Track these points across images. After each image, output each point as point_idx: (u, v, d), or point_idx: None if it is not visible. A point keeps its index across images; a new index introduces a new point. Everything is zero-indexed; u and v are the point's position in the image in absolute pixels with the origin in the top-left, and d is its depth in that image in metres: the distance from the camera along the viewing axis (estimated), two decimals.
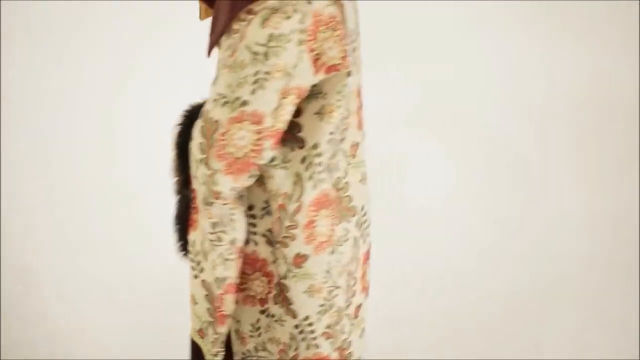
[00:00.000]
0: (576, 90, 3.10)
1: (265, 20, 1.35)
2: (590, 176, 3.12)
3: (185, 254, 1.57)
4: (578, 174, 3.11)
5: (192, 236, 1.51)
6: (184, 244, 1.57)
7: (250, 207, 1.51)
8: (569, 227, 3.11)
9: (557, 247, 3.12)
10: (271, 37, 1.35)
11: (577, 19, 3.08)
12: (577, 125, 3.11)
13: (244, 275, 1.54)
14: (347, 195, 1.52)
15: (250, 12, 1.38)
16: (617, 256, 3.12)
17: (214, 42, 1.45)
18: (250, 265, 1.54)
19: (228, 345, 1.62)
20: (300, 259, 1.50)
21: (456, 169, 3.08)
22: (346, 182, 1.52)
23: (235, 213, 1.46)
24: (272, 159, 1.45)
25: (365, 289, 1.64)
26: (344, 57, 1.41)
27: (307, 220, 1.48)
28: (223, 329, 1.53)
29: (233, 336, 1.61)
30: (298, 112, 1.43)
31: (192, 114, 1.49)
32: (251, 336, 1.59)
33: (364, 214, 1.57)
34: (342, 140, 1.49)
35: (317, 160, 1.46)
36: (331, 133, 1.46)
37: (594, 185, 3.12)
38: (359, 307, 1.61)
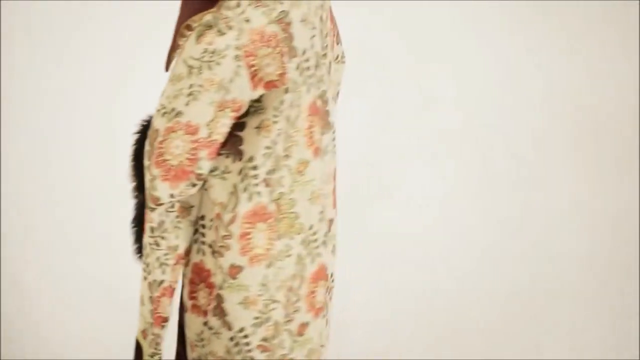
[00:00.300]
0: (575, 89, 3.09)
1: (200, 36, 1.45)
2: (589, 176, 3.12)
3: (141, 257, 1.63)
4: (577, 174, 3.11)
5: (144, 239, 1.57)
6: (139, 247, 1.63)
7: (201, 217, 1.57)
8: (569, 227, 3.11)
9: (557, 247, 3.12)
10: (205, 52, 1.44)
11: (574, 19, 3.08)
12: (576, 125, 3.11)
13: (192, 285, 1.61)
14: (292, 212, 1.56)
15: (189, 28, 1.49)
16: (617, 256, 3.12)
17: (168, 57, 1.56)
18: (197, 275, 1.60)
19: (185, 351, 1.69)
20: (235, 270, 1.55)
21: (455, 169, 3.08)
22: (291, 199, 1.55)
23: (182, 221, 1.55)
24: (214, 169, 1.53)
25: (316, 309, 1.63)
26: (281, 74, 1.48)
27: (241, 231, 1.53)
28: (159, 331, 1.60)
29: (187, 342, 1.66)
30: (242, 126, 1.51)
31: (150, 123, 1.56)
32: (196, 345, 1.64)
33: (314, 234, 1.60)
34: (286, 156, 1.53)
35: (252, 172, 1.52)
36: (267, 147, 1.51)
37: (593, 185, 3.11)
38: (304, 325, 1.61)
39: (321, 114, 1.58)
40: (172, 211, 1.54)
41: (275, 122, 1.51)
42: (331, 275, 1.69)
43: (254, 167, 1.52)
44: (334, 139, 1.66)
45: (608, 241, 3.12)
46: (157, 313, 1.60)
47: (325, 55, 1.58)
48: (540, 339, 3.11)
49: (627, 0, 3.06)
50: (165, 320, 1.61)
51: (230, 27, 1.45)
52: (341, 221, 2.98)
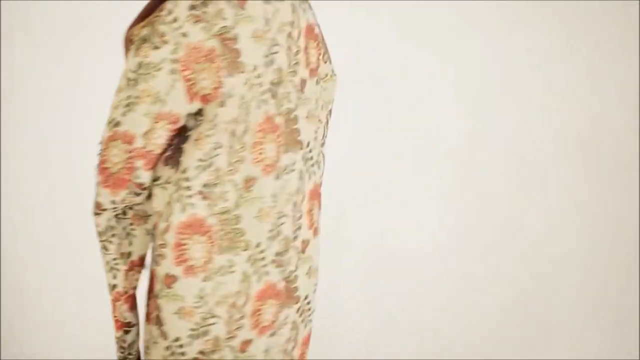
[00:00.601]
0: (573, 89, 3.09)
1: (137, 50, 1.51)
2: (589, 178, 3.12)
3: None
4: (578, 175, 3.11)
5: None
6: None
7: (154, 226, 1.61)
8: (569, 228, 3.11)
9: (557, 248, 3.12)
10: (140, 65, 1.49)
11: (574, 20, 3.08)
12: (576, 124, 3.11)
13: (148, 292, 1.64)
14: (237, 228, 1.57)
15: (130, 41, 1.55)
16: (617, 257, 3.12)
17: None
18: (150, 283, 1.63)
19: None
20: (170, 279, 1.57)
21: (453, 171, 3.08)
22: (236, 215, 1.56)
23: (137, 229, 1.61)
24: (158, 179, 1.57)
25: (261, 328, 1.63)
26: (215, 89, 1.50)
27: (175, 241, 1.55)
28: (120, 335, 1.67)
29: None
30: (186, 139, 1.56)
31: None
32: (146, 352, 1.66)
33: (261, 252, 1.60)
34: (231, 171, 1.54)
35: (185, 184, 1.54)
36: (200, 160, 1.53)
37: (593, 187, 3.11)
38: (247, 342, 1.61)
39: (284, 132, 1.59)
40: (125, 218, 1.60)
41: (208, 136, 1.53)
42: (306, 298, 1.69)
43: (187, 179, 1.54)
44: (310, 159, 1.66)
45: (608, 242, 3.12)
46: (114, 316, 1.67)
47: (294, 72, 1.59)
48: (540, 339, 3.11)
49: (627, 0, 3.06)
50: (126, 325, 1.67)
51: (165, 42, 1.49)
52: (339, 224, 3.02)
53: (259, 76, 1.54)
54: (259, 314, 1.61)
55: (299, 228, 1.65)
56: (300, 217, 1.65)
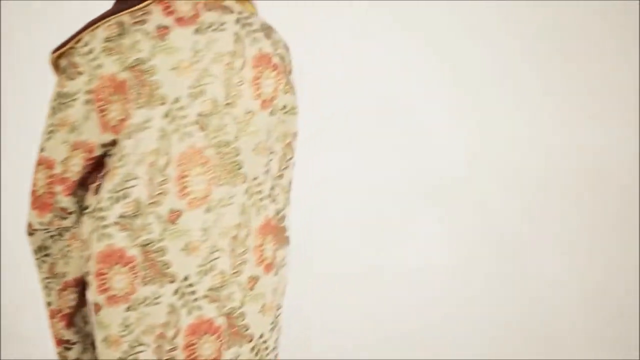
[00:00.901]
0: (572, 91, 3.10)
1: (58, 80, 1.59)
2: (591, 206, 3.13)
3: None
4: (579, 204, 3.11)
5: None
6: None
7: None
8: (570, 254, 3.11)
9: (554, 283, 3.12)
10: (59, 95, 1.57)
11: (573, 21, 3.08)
12: (577, 124, 3.11)
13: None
14: (161, 260, 1.56)
15: (56, 67, 1.62)
16: (616, 287, 3.12)
17: None
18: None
19: None
20: (96, 307, 1.59)
21: (454, 201, 3.08)
22: (161, 247, 1.56)
23: (72, 251, 1.62)
24: (88, 207, 1.59)
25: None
26: (122, 120, 1.53)
27: (96, 269, 1.57)
28: (59, 351, 1.70)
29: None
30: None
31: None
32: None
33: (190, 285, 1.59)
34: (153, 203, 1.55)
35: (99, 214, 1.56)
36: (111, 191, 1.55)
37: (594, 214, 3.12)
38: None
39: (218, 165, 1.58)
40: (61, 239, 1.62)
41: (116, 167, 1.55)
42: (261, 336, 1.66)
43: (101, 209, 1.56)
44: (258, 192, 1.63)
45: (607, 262, 3.13)
46: (52, 331, 1.71)
47: (232, 104, 1.58)
48: (540, 339, 3.12)
49: (627, 0, 3.06)
50: (65, 342, 1.69)
51: (80, 73, 1.55)
52: (338, 250, 3.02)
53: (182, 108, 1.55)
54: (193, 349, 1.60)
55: (243, 263, 1.63)
56: (244, 253, 1.62)
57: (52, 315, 1.70)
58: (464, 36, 3.03)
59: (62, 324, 1.69)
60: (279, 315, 1.72)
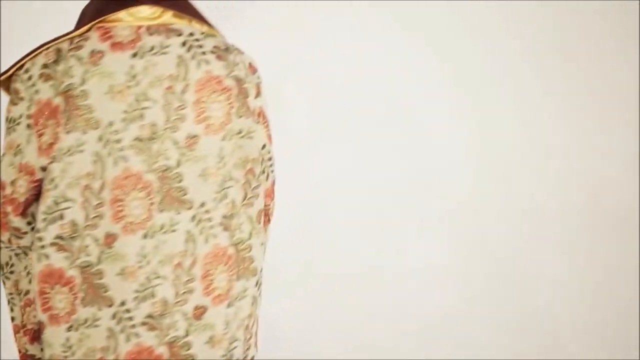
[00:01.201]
0: (572, 91, 3.09)
1: (7, 104, 1.63)
2: (592, 236, 3.12)
3: None
4: (580, 233, 3.11)
5: None
6: None
7: None
8: (571, 280, 3.10)
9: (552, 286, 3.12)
10: (7, 119, 1.61)
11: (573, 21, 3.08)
12: (576, 124, 3.11)
13: None
14: (99, 283, 1.58)
15: (7, 93, 1.65)
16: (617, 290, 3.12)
17: None
18: None
19: None
20: (41, 325, 1.62)
21: (456, 227, 3.07)
22: (99, 270, 1.57)
23: (34, 267, 1.62)
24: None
25: None
26: (51, 144, 1.56)
27: (38, 289, 1.60)
28: None
29: None
30: None
31: None
32: None
33: (127, 311, 1.59)
34: (91, 226, 1.57)
35: (36, 235, 1.59)
36: (44, 212, 1.57)
37: (595, 244, 3.11)
38: None
39: (159, 190, 1.57)
40: (25, 257, 1.65)
41: (47, 190, 1.57)
42: None
43: (37, 231, 1.58)
44: (208, 220, 1.61)
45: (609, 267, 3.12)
46: (17, 346, 1.74)
47: (174, 127, 1.57)
48: (540, 339, 3.11)
49: (628, 0, 3.06)
50: (29, 357, 1.71)
51: (21, 98, 1.59)
52: (337, 274, 3.01)
53: (116, 132, 1.56)
54: None
55: (188, 292, 1.61)
56: (190, 281, 1.60)
57: (17, 330, 1.71)
58: (465, 36, 3.03)
59: (26, 338, 1.71)
60: (234, 349, 1.67)
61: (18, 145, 1.60)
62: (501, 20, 3.04)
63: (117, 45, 1.57)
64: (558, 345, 3.11)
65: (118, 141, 1.56)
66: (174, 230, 1.58)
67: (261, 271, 1.71)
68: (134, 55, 1.57)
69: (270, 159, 1.71)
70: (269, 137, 1.70)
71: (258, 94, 1.67)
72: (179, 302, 1.60)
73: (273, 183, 1.75)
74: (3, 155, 1.62)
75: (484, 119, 3.06)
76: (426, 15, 3.00)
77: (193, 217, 1.59)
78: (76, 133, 1.56)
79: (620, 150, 3.09)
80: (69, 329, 1.60)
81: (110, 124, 1.56)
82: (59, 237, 1.58)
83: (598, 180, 3.09)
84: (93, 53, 1.57)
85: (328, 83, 3.00)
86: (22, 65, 1.61)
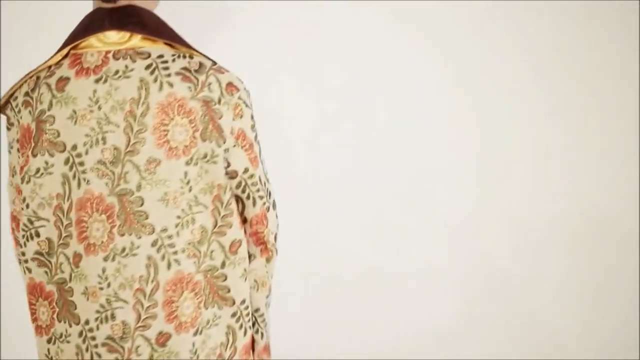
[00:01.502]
0: (572, 91, 3.09)
1: None
2: (593, 252, 3.11)
3: None
4: (581, 249, 3.10)
5: None
6: None
7: None
8: (571, 296, 3.10)
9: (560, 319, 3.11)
10: (7, 142, 1.70)
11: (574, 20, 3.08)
12: (576, 125, 3.11)
13: None
14: (70, 300, 1.64)
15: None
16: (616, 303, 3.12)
17: None
18: None
19: None
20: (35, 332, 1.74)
21: (456, 243, 3.07)
22: (70, 287, 1.64)
23: (23, 280, 1.74)
24: None
25: None
26: (22, 167, 1.64)
27: (27, 299, 1.71)
28: None
29: None
30: None
31: None
32: None
33: (90, 330, 1.62)
34: (63, 244, 1.63)
35: (20, 249, 1.70)
36: (22, 229, 1.67)
37: (595, 262, 3.11)
38: None
39: (121, 213, 1.59)
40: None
41: (22, 209, 1.66)
42: None
43: (20, 246, 1.69)
44: (170, 245, 1.61)
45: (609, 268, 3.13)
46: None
47: (134, 151, 1.58)
48: (540, 340, 3.11)
49: (627, 0, 3.06)
50: None
51: (11, 124, 1.68)
52: (338, 294, 3.01)
53: (79, 155, 1.60)
54: None
55: (151, 317, 1.61)
56: (152, 307, 1.61)
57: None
58: (465, 36, 3.02)
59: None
60: None
61: (13, 167, 1.68)
62: (502, 20, 3.04)
63: (82, 72, 1.62)
64: (558, 345, 3.11)
65: (81, 164, 1.60)
66: (134, 255, 1.60)
67: (243, 302, 1.69)
68: (98, 80, 1.61)
69: (255, 183, 1.68)
70: (253, 160, 1.68)
71: (238, 115, 1.64)
72: (140, 326, 1.61)
73: (267, 209, 1.72)
74: (9, 176, 1.72)
75: (484, 120, 3.06)
76: (427, 15, 3.00)
77: (154, 242, 1.60)
78: (44, 156, 1.62)
79: (621, 153, 3.09)
80: (49, 341, 1.67)
81: (74, 147, 1.60)
82: (38, 252, 1.65)
83: (599, 183, 3.09)
84: (60, 80, 1.62)
85: (328, 83, 3.00)
86: (13, 93, 1.68)
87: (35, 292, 1.67)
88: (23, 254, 1.67)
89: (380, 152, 3.03)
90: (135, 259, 1.60)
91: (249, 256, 1.74)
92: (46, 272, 1.65)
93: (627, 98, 3.09)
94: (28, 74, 1.67)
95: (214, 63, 1.66)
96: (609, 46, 3.08)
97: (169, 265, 1.61)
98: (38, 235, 1.65)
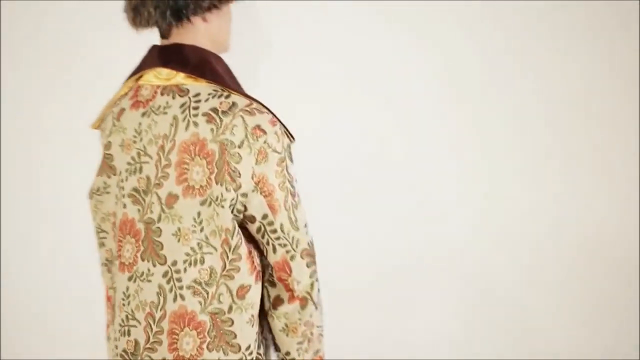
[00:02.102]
0: (571, 91, 3.09)
1: None
2: (592, 275, 3.12)
3: None
4: (578, 172, 3.10)
5: None
6: None
7: None
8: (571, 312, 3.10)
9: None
10: None
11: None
12: (575, 124, 3.11)
13: None
14: (113, 306, 1.85)
15: None
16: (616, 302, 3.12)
17: None
18: None
19: None
20: None
21: (457, 271, 3.07)
22: (112, 296, 1.82)
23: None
24: None
25: None
26: (92, 185, 1.84)
27: (105, 296, 1.92)
28: None
29: None
30: None
31: None
32: None
33: (115, 339, 1.76)
34: (115, 256, 1.78)
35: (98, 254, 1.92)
36: (96, 236, 1.87)
37: (593, 282, 3.11)
38: None
39: (145, 240, 1.66)
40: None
41: (93, 220, 1.84)
42: None
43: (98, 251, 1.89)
44: (178, 280, 1.64)
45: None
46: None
47: (160, 184, 1.64)
48: (541, 340, 3.11)
49: (627, 0, 3.06)
50: None
51: (102, 144, 1.81)
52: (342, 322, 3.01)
53: (122, 180, 1.71)
54: None
55: (157, 343, 1.66)
56: (159, 333, 1.65)
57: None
58: (465, 37, 3.02)
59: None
60: None
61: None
62: (501, 20, 3.04)
63: (135, 104, 1.71)
64: (558, 345, 3.11)
65: (122, 188, 1.71)
66: (149, 280, 1.66)
67: (248, 348, 1.67)
68: (143, 114, 1.69)
69: (274, 230, 1.66)
70: (273, 206, 1.65)
71: (262, 159, 1.62)
72: (149, 348, 1.67)
73: (291, 257, 1.69)
74: None
75: (483, 117, 3.06)
76: (427, 16, 3.00)
77: (165, 273, 1.65)
78: (103, 177, 1.77)
79: (621, 153, 3.09)
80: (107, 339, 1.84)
81: (120, 172, 1.72)
82: (107, 259, 1.81)
83: (597, 169, 3.08)
84: (120, 110, 1.75)
85: (328, 83, 2.99)
86: (103, 117, 1.82)
87: (106, 293, 1.84)
88: (100, 258, 1.85)
89: (381, 154, 3.03)
90: (150, 285, 1.67)
91: (279, 300, 1.72)
92: (110, 278, 1.81)
93: (628, 98, 3.09)
94: (111, 99, 1.80)
95: (251, 103, 1.64)
96: (608, 46, 3.08)
97: (174, 298, 1.65)
98: (103, 245, 1.81)
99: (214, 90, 1.65)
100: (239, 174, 1.61)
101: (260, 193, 1.64)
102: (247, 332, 1.67)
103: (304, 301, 1.71)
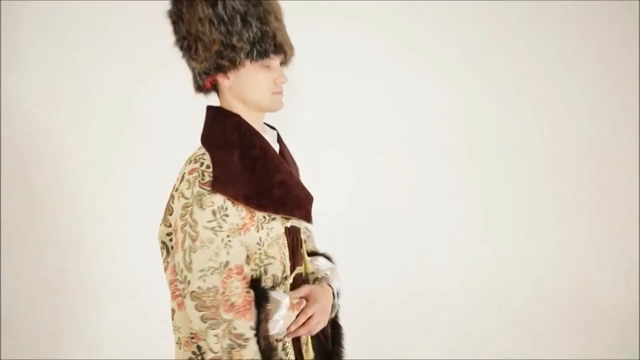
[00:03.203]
0: (571, 92, 3.10)
1: None
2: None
3: None
4: (576, 170, 3.11)
5: None
6: None
7: None
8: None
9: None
10: None
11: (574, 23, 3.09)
12: (576, 124, 3.12)
13: None
14: None
15: None
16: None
17: None
18: None
19: None
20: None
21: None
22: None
23: None
24: None
25: None
26: None
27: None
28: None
29: None
30: None
31: None
32: None
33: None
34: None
35: None
36: None
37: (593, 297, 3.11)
38: None
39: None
40: None
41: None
42: None
43: None
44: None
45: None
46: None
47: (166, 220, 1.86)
48: (541, 340, 3.12)
49: (627, 0, 3.06)
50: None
51: None
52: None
53: None
54: None
55: None
56: None
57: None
58: (466, 37, 3.03)
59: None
60: None
61: None
62: (503, 21, 3.05)
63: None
64: (558, 345, 3.12)
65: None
66: None
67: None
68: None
69: (176, 266, 1.77)
70: (175, 246, 1.76)
71: (177, 203, 1.76)
72: None
73: (184, 295, 1.74)
74: None
75: (482, 116, 3.07)
76: (430, 20, 3.01)
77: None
78: None
79: (623, 153, 3.10)
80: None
81: None
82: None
83: (597, 165, 3.09)
84: None
85: (327, 83, 3.00)
86: None
87: None
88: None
89: (378, 150, 3.04)
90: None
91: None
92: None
93: (628, 97, 3.10)
94: None
95: (203, 153, 1.76)
96: (609, 47, 3.09)
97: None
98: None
99: (198, 149, 1.79)
100: (171, 213, 1.81)
101: (174, 232, 1.79)
102: (175, 353, 1.83)
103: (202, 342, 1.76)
